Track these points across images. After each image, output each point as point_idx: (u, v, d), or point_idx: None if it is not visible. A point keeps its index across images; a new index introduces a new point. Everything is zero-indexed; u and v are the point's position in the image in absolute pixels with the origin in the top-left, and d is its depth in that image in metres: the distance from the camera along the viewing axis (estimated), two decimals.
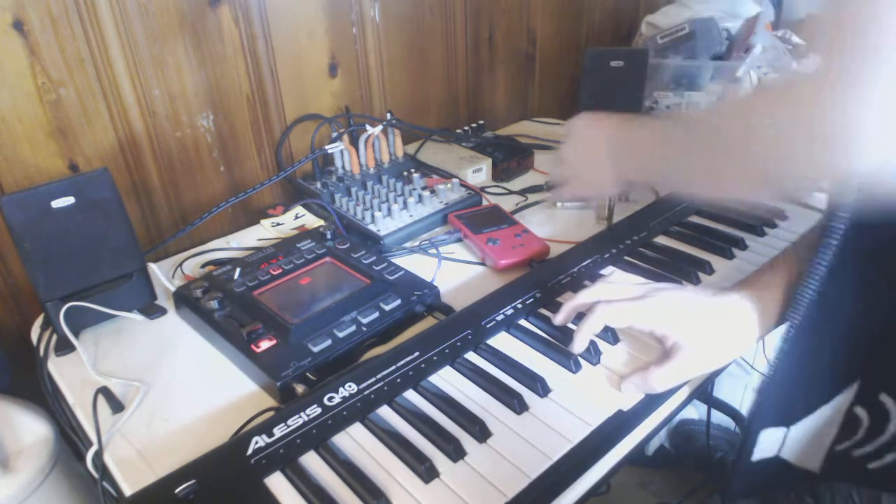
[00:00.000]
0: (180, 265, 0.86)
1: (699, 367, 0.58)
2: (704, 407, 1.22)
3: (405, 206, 0.91)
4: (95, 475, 0.56)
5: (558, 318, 0.65)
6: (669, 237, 0.85)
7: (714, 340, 0.58)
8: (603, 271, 0.74)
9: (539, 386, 0.58)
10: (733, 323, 0.59)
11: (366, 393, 0.57)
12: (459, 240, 0.88)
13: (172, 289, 0.76)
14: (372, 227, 0.87)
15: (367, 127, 1.02)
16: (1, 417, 0.68)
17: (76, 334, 0.70)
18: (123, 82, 0.82)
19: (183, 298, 0.73)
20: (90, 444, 0.57)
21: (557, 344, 0.64)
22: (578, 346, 0.62)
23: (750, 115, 0.49)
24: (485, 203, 0.97)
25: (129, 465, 0.55)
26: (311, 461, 0.52)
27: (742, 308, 0.59)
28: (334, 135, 1.01)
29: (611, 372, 0.61)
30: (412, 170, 1.02)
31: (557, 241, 0.85)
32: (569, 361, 0.61)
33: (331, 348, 0.63)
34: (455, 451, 0.52)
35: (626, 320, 0.60)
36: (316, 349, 0.63)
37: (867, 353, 0.54)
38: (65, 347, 0.69)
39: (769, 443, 0.59)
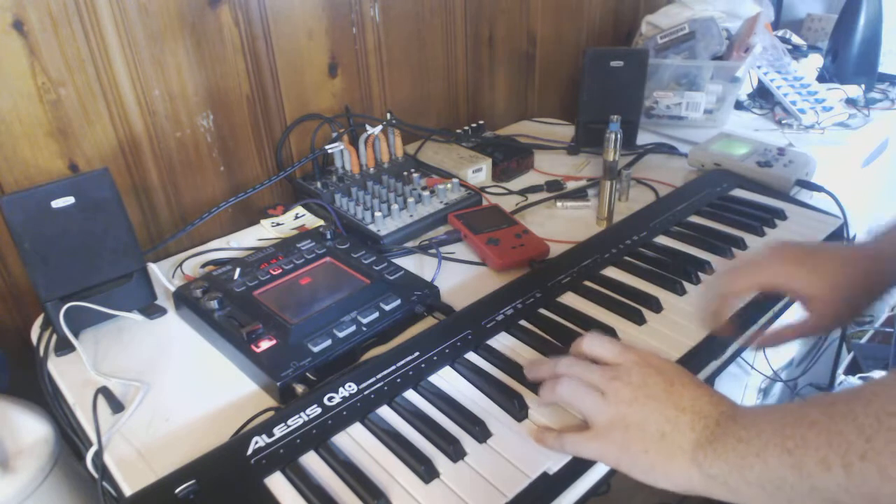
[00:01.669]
0: (180, 265, 0.85)
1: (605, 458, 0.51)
2: None
3: (405, 206, 0.91)
4: (95, 475, 0.56)
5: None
6: (669, 237, 0.85)
7: (634, 461, 0.49)
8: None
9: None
10: (667, 463, 0.47)
11: (366, 393, 0.57)
12: (459, 240, 0.88)
13: (172, 289, 0.76)
14: (372, 227, 0.87)
15: (367, 127, 1.02)
16: (1, 417, 0.68)
17: (76, 334, 0.70)
18: (123, 82, 0.82)
19: (183, 298, 0.73)
20: (90, 444, 0.57)
21: (558, 344, 0.64)
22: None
23: None
24: (485, 203, 0.97)
25: (129, 465, 0.55)
26: (311, 461, 0.52)
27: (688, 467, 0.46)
28: (334, 135, 1.01)
29: None
30: (412, 170, 1.02)
31: (557, 241, 0.85)
32: None
33: (331, 348, 0.63)
34: (455, 452, 0.52)
35: (576, 406, 0.54)
36: (316, 349, 0.63)
37: None
38: (65, 347, 0.69)
39: None
